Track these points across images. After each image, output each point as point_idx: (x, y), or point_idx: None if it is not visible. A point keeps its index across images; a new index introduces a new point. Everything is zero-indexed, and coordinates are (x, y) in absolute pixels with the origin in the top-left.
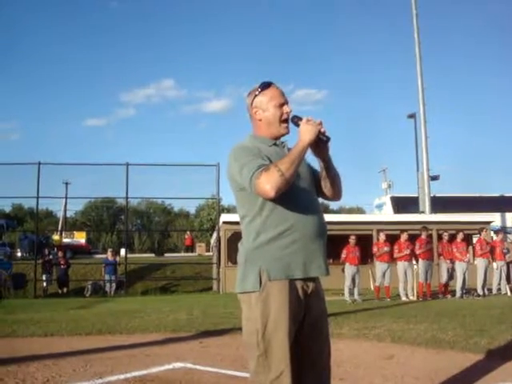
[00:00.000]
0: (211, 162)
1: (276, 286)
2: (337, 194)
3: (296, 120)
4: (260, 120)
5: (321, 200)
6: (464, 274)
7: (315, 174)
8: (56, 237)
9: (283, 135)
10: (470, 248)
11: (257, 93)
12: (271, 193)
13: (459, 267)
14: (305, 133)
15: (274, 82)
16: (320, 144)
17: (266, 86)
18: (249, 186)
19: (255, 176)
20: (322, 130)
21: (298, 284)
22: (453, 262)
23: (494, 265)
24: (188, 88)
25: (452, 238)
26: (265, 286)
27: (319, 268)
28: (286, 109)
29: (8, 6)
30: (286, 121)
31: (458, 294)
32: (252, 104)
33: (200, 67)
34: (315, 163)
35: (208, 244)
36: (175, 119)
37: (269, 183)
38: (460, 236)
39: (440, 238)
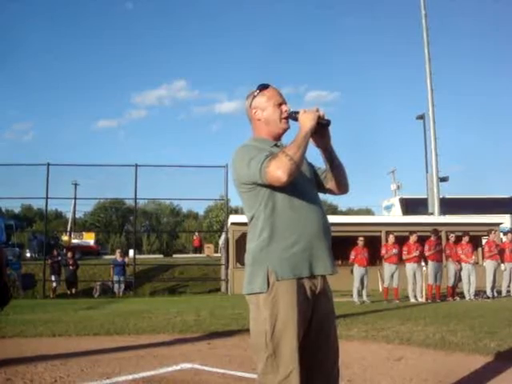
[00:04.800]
0: (222, 162)
1: (284, 285)
2: (343, 187)
3: (294, 115)
4: (259, 120)
5: (329, 200)
6: (469, 276)
7: (317, 172)
8: (65, 237)
9: (285, 130)
10: (479, 250)
11: (255, 94)
12: (283, 177)
13: (465, 269)
14: (305, 120)
15: (271, 84)
16: (321, 130)
17: (263, 87)
18: (259, 177)
19: (265, 165)
20: (321, 113)
21: (306, 284)
22: (460, 264)
23: (503, 266)
24: (200, 89)
25: (458, 239)
26: (273, 287)
27: (325, 266)
28: (284, 108)
29: (22, 7)
30: (285, 119)
31: (467, 295)
32: (251, 105)
33: (212, 68)
34: (315, 161)
35: (216, 245)
36: (186, 120)
37: (279, 168)
38: (465, 238)
39: (448, 239)
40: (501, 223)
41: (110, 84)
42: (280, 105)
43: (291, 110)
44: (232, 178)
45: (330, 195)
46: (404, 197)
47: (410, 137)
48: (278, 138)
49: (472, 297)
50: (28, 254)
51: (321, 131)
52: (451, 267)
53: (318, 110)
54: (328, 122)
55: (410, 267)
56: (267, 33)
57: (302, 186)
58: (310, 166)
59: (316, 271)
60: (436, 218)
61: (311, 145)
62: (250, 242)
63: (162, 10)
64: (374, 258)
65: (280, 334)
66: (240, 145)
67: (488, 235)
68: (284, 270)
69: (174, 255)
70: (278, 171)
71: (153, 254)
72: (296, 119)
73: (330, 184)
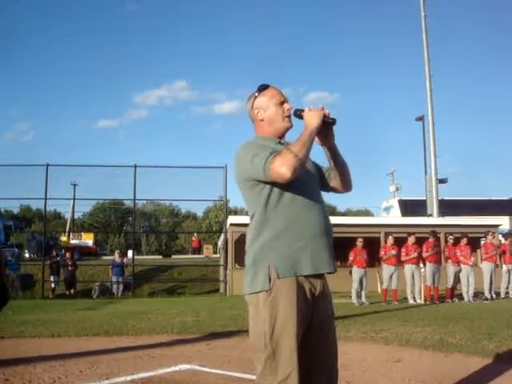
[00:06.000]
0: (221, 163)
1: (284, 285)
2: (347, 184)
3: (299, 113)
4: (262, 120)
5: (328, 201)
6: (468, 278)
7: (322, 171)
8: (64, 238)
9: (287, 129)
10: (478, 251)
11: (256, 94)
12: (287, 174)
13: (463, 270)
14: (311, 118)
15: (271, 84)
16: (326, 129)
17: (264, 87)
18: (263, 174)
19: (269, 161)
20: (327, 112)
21: (306, 286)
22: (460, 265)
23: (504, 268)
24: (200, 89)
25: (457, 241)
26: (274, 285)
27: (327, 264)
28: (286, 106)
29: (23, 7)
30: (288, 117)
31: (465, 297)
32: (253, 106)
33: (212, 68)
34: (318, 160)
35: (215, 246)
36: (186, 120)
37: (284, 165)
38: (464, 240)
39: (446, 241)
40: (499, 225)
41: (111, 84)
42: (282, 103)
43: (295, 107)
44: (234, 175)
45: (334, 194)
46: (403, 198)
47: (409, 138)
48: (281, 136)
49: (470, 298)
50: (27, 255)
51: (325, 130)
52: (450, 269)
53: (323, 109)
54: (334, 121)
55: (408, 269)
56: (267, 33)
57: (305, 184)
58: (315, 164)
59: (317, 269)
60: (435, 219)
61: (314, 144)
62: (251, 239)
63: (162, 10)
64: (373, 259)
65: (279, 335)
66: (244, 142)
67: (485, 237)
68: (285, 268)
69: (173, 256)
70: (283, 168)
71: (152, 254)
72: (301, 117)
73: (334, 182)
